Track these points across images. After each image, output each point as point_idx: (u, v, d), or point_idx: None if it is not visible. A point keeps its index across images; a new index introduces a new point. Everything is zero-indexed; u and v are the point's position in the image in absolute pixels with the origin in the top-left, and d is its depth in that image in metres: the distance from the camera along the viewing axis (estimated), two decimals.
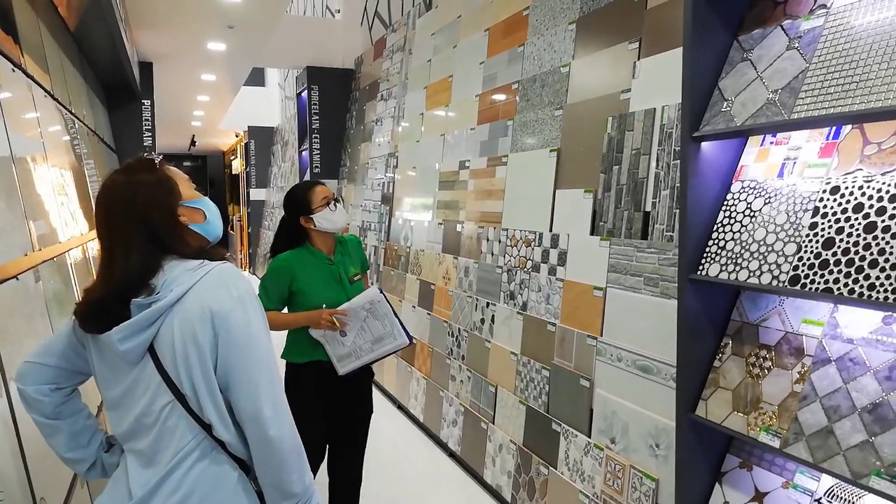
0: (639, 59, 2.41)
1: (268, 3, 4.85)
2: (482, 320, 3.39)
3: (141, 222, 1.25)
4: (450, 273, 3.81)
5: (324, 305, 2.36)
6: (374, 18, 6.07)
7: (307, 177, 6.78)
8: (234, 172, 15.05)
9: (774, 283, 1.54)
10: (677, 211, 2.17)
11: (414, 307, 4.29)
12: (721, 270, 1.68)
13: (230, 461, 1.26)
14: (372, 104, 5.74)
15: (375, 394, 4.82)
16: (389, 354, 2.44)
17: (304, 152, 6.84)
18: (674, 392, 1.84)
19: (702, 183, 1.80)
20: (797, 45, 1.59)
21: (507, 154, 3.26)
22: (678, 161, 2.18)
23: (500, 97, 3.41)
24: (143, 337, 1.21)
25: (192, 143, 13.68)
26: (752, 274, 1.60)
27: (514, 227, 3.15)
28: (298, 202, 2.42)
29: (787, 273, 1.51)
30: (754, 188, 1.69)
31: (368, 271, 5.52)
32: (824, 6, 1.56)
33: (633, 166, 2.38)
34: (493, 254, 3.33)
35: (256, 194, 11.90)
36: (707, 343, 1.81)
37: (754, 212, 1.67)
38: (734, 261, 1.66)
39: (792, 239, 1.54)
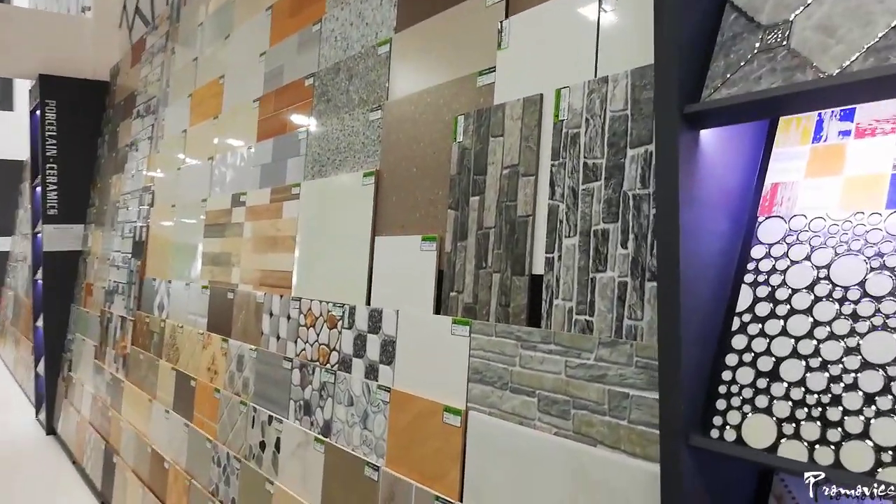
0: (506, 16, 1.42)
1: None
2: (262, 444, 2.14)
3: None
4: (217, 362, 2.52)
5: None
6: (134, 17, 4.66)
7: (41, 222, 5.03)
8: None
9: None
10: (595, 276, 1.17)
11: (167, 412, 2.89)
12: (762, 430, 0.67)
13: None
14: (127, 124, 4.28)
15: None
16: None
17: (37, 188, 5.09)
18: None
19: (700, 218, 0.80)
20: None
21: (300, 182, 2.12)
22: (594, 184, 1.19)
23: (289, 99, 2.27)
24: None
25: None
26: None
27: (310, 297, 1.99)
28: None
29: None
30: (816, 235, 0.72)
31: None
32: None
33: (507, 196, 1.36)
34: (279, 337, 2.12)
35: None
36: None
37: (815, 281, 0.69)
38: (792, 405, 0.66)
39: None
